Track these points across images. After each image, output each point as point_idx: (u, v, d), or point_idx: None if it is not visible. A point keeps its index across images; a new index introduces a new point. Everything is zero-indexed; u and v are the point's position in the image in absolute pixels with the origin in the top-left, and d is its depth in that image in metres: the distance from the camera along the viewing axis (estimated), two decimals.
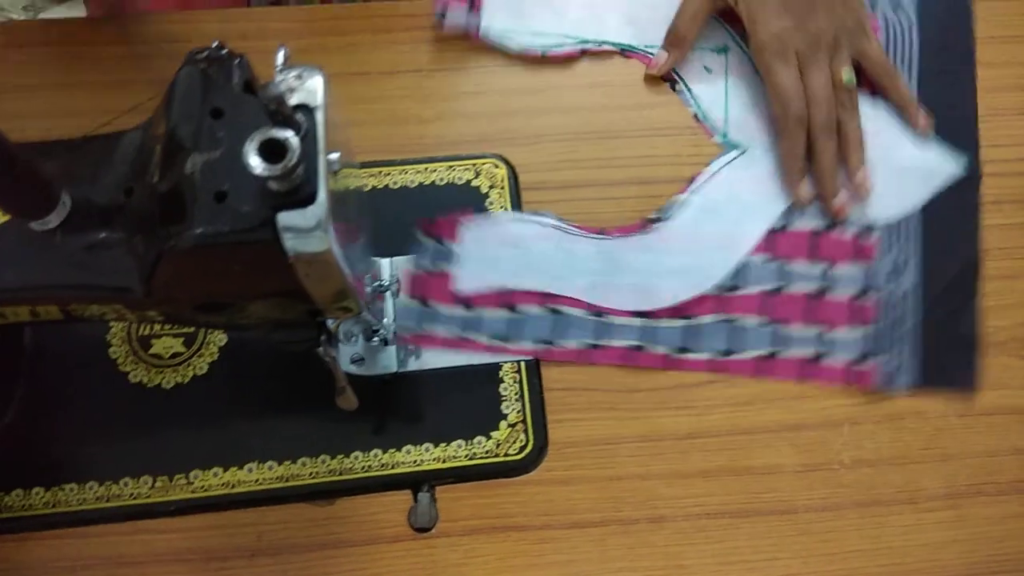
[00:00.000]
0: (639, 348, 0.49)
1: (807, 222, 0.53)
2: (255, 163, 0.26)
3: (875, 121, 0.54)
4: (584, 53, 0.57)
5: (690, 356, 0.49)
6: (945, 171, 0.54)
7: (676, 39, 0.55)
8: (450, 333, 0.49)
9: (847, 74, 0.53)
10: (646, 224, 0.52)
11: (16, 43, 0.55)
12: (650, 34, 0.57)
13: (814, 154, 0.53)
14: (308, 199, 0.28)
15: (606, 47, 0.57)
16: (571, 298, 0.50)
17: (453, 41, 0.57)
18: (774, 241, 0.52)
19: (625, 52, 0.57)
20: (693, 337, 0.50)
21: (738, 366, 0.50)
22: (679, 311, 0.50)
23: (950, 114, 0.55)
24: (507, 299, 0.50)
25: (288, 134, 0.26)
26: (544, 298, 0.50)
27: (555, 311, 0.50)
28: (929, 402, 0.50)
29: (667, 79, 0.56)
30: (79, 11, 0.64)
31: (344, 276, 0.32)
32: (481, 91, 0.56)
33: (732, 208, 0.53)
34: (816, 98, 0.52)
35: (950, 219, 0.53)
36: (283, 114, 0.27)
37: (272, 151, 0.26)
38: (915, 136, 0.54)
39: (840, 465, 0.48)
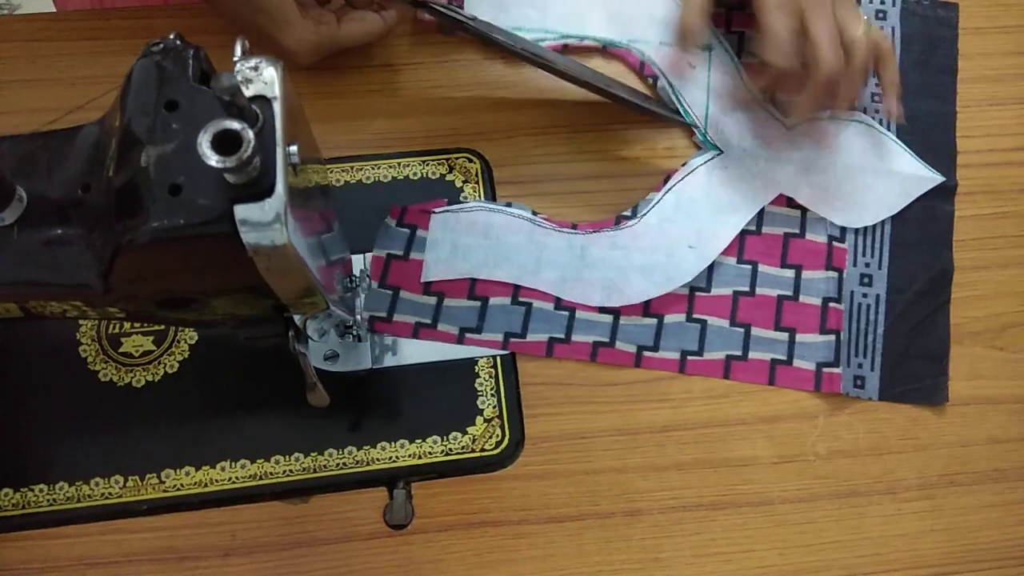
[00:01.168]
0: (606, 344, 0.49)
1: (780, 226, 0.52)
2: (209, 155, 0.26)
3: (855, 126, 0.54)
4: (566, 48, 0.56)
5: (658, 355, 0.49)
6: (923, 181, 0.53)
7: (683, 33, 0.52)
8: (419, 322, 0.49)
9: (865, 23, 0.49)
10: (619, 220, 0.52)
11: None
12: (634, 29, 0.57)
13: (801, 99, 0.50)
14: (266, 192, 0.28)
15: (588, 42, 0.57)
16: (540, 291, 0.50)
17: (424, 36, 0.56)
18: (746, 243, 0.52)
19: (607, 48, 0.57)
20: (661, 336, 0.50)
21: (707, 366, 0.49)
22: (647, 310, 0.50)
23: (928, 126, 0.55)
24: (476, 290, 0.50)
25: (242, 125, 0.26)
26: (513, 290, 0.50)
27: (524, 304, 0.50)
28: None
29: (649, 75, 0.56)
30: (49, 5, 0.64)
31: (307, 270, 0.32)
32: (454, 85, 0.55)
33: (706, 208, 0.52)
34: (823, 46, 0.48)
35: (921, 230, 0.53)
36: (238, 105, 0.27)
37: (226, 143, 0.26)
38: (894, 144, 0.54)
39: (816, 456, 0.48)
